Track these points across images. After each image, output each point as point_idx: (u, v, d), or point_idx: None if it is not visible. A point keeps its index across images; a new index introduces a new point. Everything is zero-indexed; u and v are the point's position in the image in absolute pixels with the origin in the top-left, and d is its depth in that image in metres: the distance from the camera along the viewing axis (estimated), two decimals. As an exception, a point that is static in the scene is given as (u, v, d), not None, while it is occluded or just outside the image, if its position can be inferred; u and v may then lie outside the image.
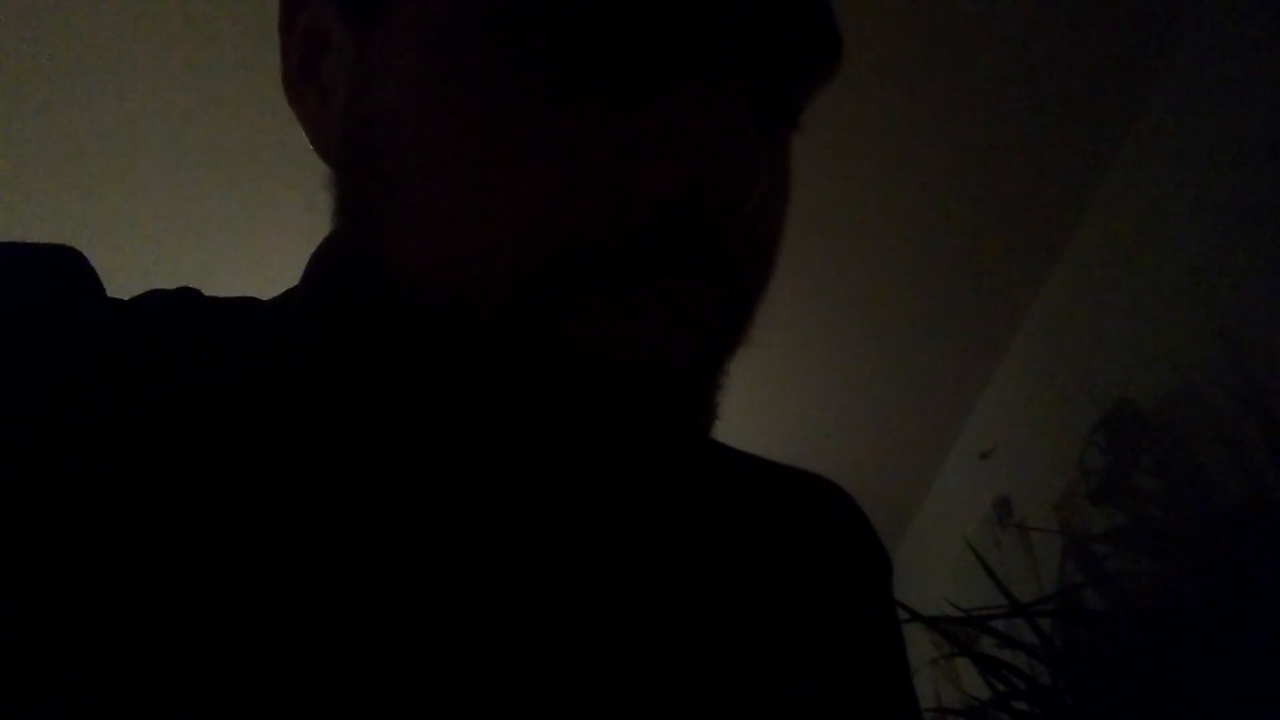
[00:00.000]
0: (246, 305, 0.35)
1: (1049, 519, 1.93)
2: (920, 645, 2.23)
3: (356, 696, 0.25)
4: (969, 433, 2.54)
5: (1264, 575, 1.14)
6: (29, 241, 0.31)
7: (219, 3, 1.40)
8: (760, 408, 2.40)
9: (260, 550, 0.27)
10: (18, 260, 0.31)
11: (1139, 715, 1.21)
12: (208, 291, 0.36)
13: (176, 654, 0.24)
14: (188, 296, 0.34)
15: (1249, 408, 1.33)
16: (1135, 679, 1.23)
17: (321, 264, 0.35)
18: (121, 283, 0.38)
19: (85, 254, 0.33)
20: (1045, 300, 2.07)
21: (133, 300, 0.33)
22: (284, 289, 0.37)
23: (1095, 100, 1.62)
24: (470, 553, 0.30)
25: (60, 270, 0.31)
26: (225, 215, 1.74)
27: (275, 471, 0.29)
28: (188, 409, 0.29)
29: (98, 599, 0.24)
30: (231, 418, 0.30)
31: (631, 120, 0.27)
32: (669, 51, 0.28)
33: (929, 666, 2.28)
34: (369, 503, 0.29)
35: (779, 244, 0.34)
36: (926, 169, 1.74)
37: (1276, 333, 1.33)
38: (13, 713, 0.23)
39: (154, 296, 0.34)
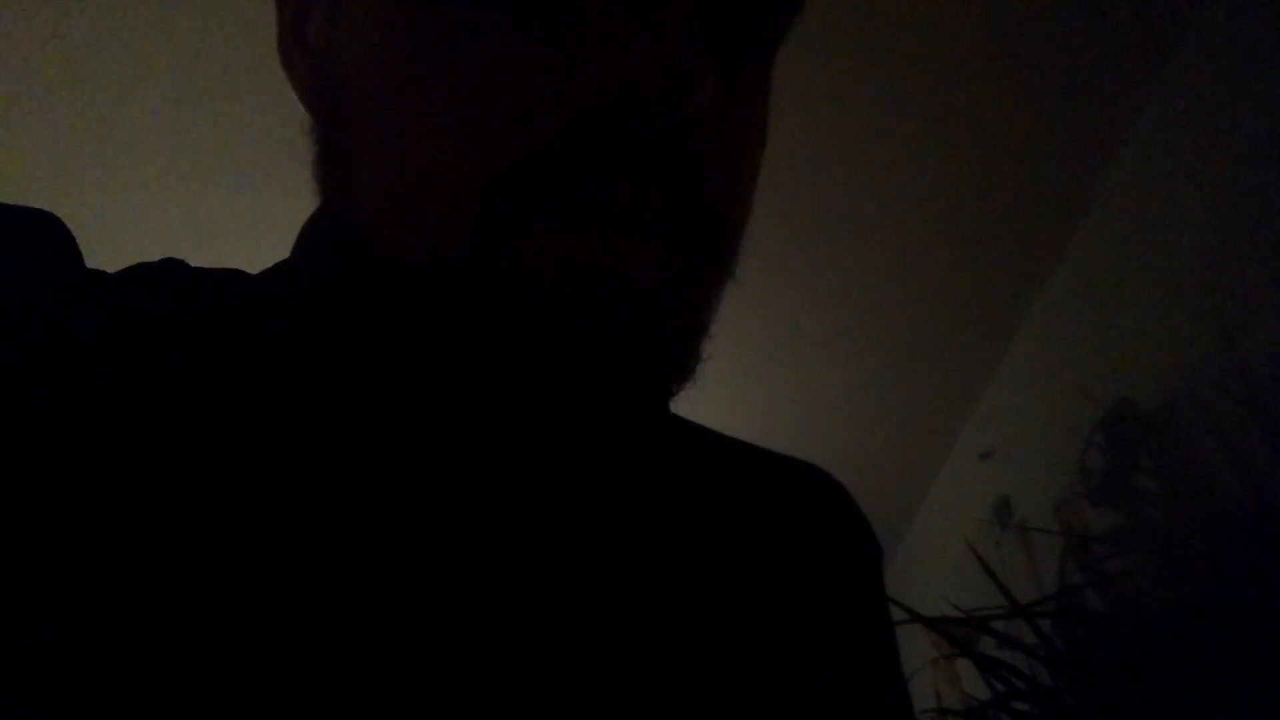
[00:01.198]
0: (234, 276, 0.35)
1: (1049, 519, 1.93)
2: (920, 645, 2.23)
3: (327, 658, 0.25)
4: (969, 433, 2.54)
5: (1264, 575, 1.14)
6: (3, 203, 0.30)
7: (221, 2, 1.40)
8: (760, 408, 2.40)
9: (256, 516, 0.26)
10: None
11: (1139, 715, 1.21)
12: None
13: (167, 630, 0.24)
14: (173, 267, 0.34)
15: (1249, 408, 1.33)
16: (1135, 679, 1.23)
17: (306, 232, 0.36)
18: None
19: (91, 254, 0.32)
20: (1045, 300, 2.07)
21: (118, 273, 0.33)
22: None
23: (1095, 100, 1.62)
24: (456, 514, 0.29)
25: (37, 234, 0.31)
26: (230, 215, 1.75)
27: (262, 441, 0.28)
28: (173, 379, 0.29)
29: (91, 573, 0.24)
30: (217, 388, 0.29)
31: (563, 33, 0.28)
32: None
33: (929, 666, 2.28)
34: (358, 469, 0.29)
35: (749, 170, 0.33)
36: (926, 169, 1.74)
37: (1277, 333, 1.33)
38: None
39: (139, 268, 0.33)
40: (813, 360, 2.26)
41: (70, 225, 0.32)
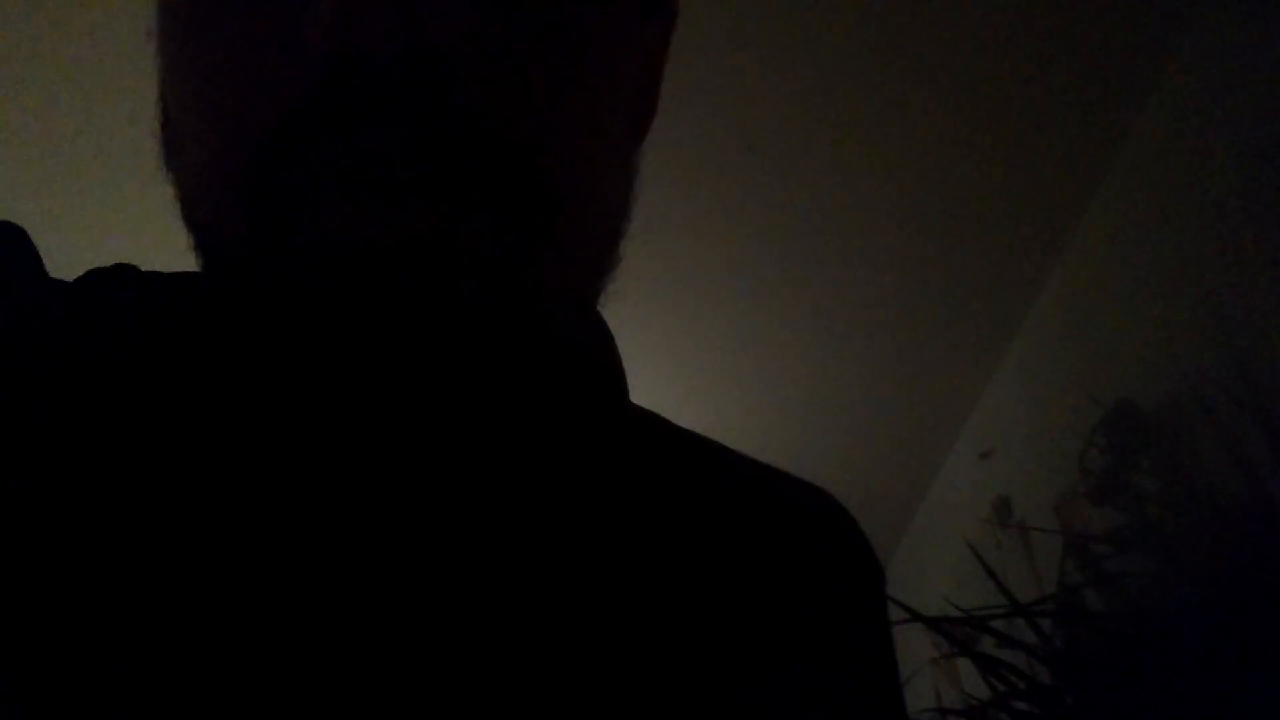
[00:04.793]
0: (186, 280, 0.35)
1: (1049, 519, 1.93)
2: (920, 645, 2.23)
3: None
4: (969, 433, 2.54)
5: (1264, 575, 1.14)
6: None
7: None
8: (760, 408, 2.40)
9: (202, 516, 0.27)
10: None
11: (1139, 715, 1.21)
12: None
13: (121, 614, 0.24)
14: (124, 273, 0.35)
15: (1249, 408, 1.33)
16: (1135, 679, 1.23)
17: None
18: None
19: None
20: (1045, 300, 2.07)
21: (76, 281, 0.34)
22: None
23: (1095, 100, 1.62)
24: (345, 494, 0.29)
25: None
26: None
27: (196, 441, 0.29)
28: (123, 385, 0.30)
29: (44, 577, 0.24)
30: (153, 395, 0.30)
31: None
32: None
33: (929, 666, 2.28)
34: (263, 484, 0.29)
35: (576, 119, 0.30)
36: (925, 169, 1.74)
37: (1277, 333, 1.33)
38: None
39: (91, 275, 0.34)
40: (812, 360, 2.26)
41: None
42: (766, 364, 2.25)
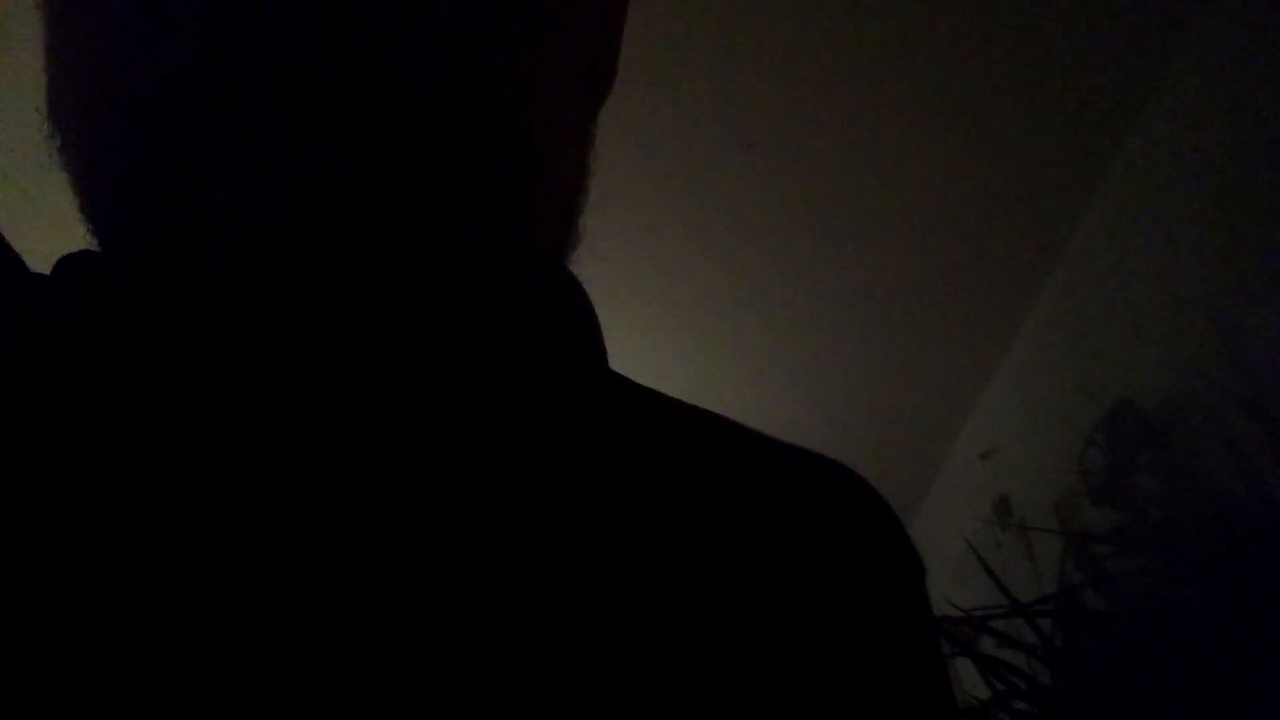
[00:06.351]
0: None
1: (1049, 519, 1.93)
2: (920, 645, 2.23)
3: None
4: (969, 433, 2.54)
5: (1264, 575, 1.14)
6: None
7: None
8: (759, 408, 2.40)
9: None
10: None
11: (1139, 715, 1.21)
12: None
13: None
14: (90, 260, 0.31)
15: (1249, 408, 1.33)
16: (1135, 679, 1.23)
17: None
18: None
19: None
20: (1045, 300, 2.07)
21: (49, 273, 0.31)
22: None
23: (1095, 100, 1.62)
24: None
25: None
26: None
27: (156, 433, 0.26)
28: (98, 372, 0.27)
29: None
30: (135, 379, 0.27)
31: None
32: None
33: (929, 666, 2.28)
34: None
35: (519, 77, 0.27)
36: (925, 169, 1.74)
37: (1277, 333, 1.33)
38: None
39: (61, 263, 0.31)
40: (812, 360, 2.26)
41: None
42: (766, 364, 2.25)
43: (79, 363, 0.27)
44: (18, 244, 0.30)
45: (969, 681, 2.08)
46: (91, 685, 0.21)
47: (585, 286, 0.37)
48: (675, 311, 2.06)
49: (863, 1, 1.44)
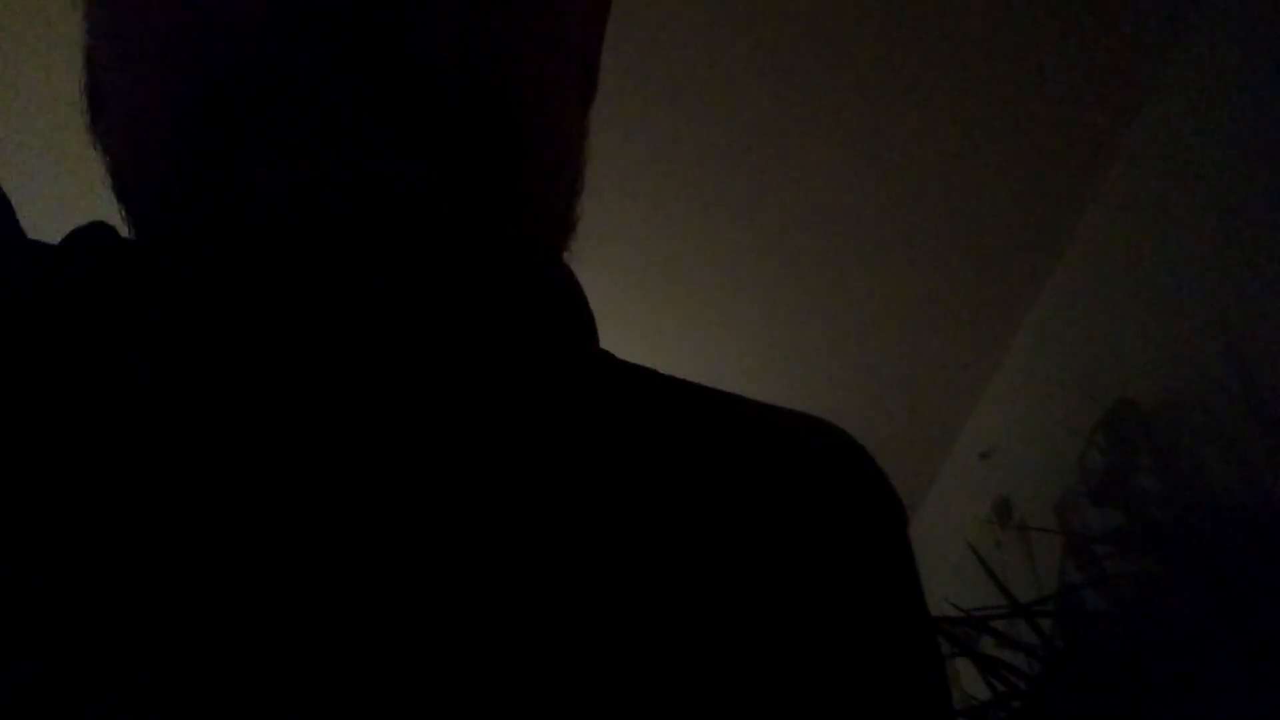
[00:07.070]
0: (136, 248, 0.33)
1: (1049, 519, 1.92)
2: (920, 645, 2.22)
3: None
4: (969, 433, 2.54)
5: (1264, 575, 1.13)
6: None
7: None
8: (760, 408, 2.40)
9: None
10: None
11: (1139, 715, 1.21)
12: None
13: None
14: (101, 233, 0.32)
15: (1249, 408, 1.33)
16: (1135, 679, 1.23)
17: None
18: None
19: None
20: (1045, 300, 2.07)
21: (58, 244, 0.31)
22: None
23: (1095, 100, 1.62)
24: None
25: None
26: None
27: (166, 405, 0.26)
28: (105, 347, 0.27)
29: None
30: (114, 366, 0.27)
31: None
32: None
33: (929, 666, 2.27)
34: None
35: (536, 69, 0.28)
36: (925, 169, 1.74)
37: (1277, 333, 1.33)
38: None
39: (71, 236, 0.32)
40: (812, 360, 2.26)
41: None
42: (766, 364, 2.25)
43: (91, 335, 0.27)
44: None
45: (969, 681, 2.07)
46: (90, 677, 0.21)
47: (584, 284, 0.38)
48: (674, 311, 2.06)
49: (863, 4, 1.44)
